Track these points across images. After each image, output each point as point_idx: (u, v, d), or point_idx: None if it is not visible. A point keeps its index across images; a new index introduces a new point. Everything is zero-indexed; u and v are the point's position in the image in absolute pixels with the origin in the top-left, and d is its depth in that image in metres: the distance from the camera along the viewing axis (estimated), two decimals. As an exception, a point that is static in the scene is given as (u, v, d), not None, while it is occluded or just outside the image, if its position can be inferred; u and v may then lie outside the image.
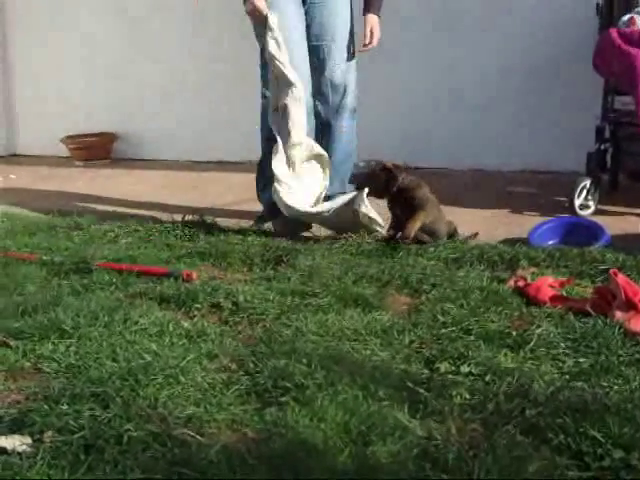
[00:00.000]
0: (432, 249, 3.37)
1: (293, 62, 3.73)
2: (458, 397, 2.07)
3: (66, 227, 4.03)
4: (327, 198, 4.02)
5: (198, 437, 1.94)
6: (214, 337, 2.58)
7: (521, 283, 2.93)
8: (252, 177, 4.10)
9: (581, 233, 3.52)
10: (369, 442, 1.88)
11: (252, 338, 2.59)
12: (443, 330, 2.53)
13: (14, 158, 6.66)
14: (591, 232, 3.50)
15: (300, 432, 1.92)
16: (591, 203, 4.07)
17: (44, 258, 3.43)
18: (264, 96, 3.88)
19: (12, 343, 2.55)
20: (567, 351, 2.36)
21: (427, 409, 2.03)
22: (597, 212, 4.03)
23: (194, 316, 2.80)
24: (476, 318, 2.60)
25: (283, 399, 2.10)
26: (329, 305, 2.80)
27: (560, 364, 2.28)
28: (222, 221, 4.04)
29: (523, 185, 4.79)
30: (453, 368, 2.26)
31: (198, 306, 2.86)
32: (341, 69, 3.97)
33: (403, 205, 3.51)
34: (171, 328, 2.63)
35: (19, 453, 1.87)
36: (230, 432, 1.98)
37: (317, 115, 4.00)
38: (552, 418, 1.93)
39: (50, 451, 1.87)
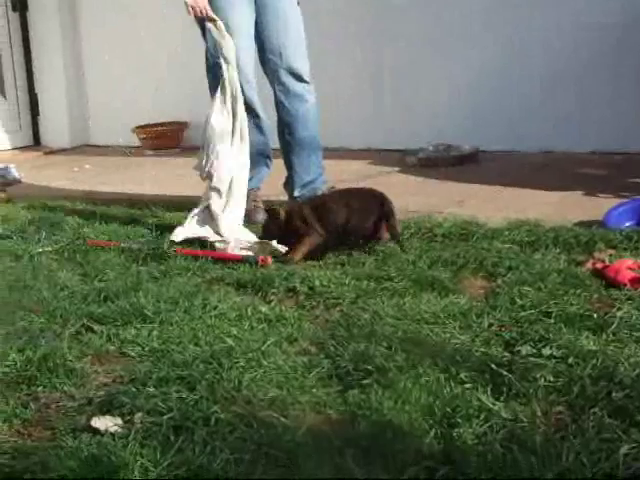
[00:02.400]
0: (507, 232, 3.34)
1: (239, 64, 3.75)
2: (542, 379, 2.06)
3: (141, 215, 4.11)
4: (307, 184, 4.02)
5: (283, 419, 1.96)
6: (292, 321, 2.61)
7: (599, 265, 2.89)
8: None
9: (658, 214, 3.45)
10: (454, 424, 1.88)
11: (330, 322, 2.61)
12: (522, 313, 2.52)
13: (87, 148, 6.79)
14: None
15: (385, 414, 1.93)
16: (668, 183, 3.99)
17: (122, 245, 3.50)
18: None
19: (96, 328, 2.62)
20: (651, 334, 2.32)
21: (511, 391, 2.03)
22: (674, 192, 3.94)
23: (271, 301, 2.83)
24: (555, 301, 2.58)
25: (365, 382, 2.12)
26: (405, 289, 2.81)
27: (644, 346, 2.25)
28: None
29: (595, 166, 4.71)
30: (534, 351, 2.24)
31: (274, 291, 2.90)
32: (297, 63, 4.00)
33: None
34: (250, 312, 2.68)
35: (112, 434, 1.93)
36: (314, 414, 2.01)
37: (280, 105, 4.03)
38: (640, 400, 1.91)
39: (141, 432, 1.92)
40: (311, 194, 3.93)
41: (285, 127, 4.01)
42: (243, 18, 3.92)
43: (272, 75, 4.02)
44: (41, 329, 2.62)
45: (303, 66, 4.05)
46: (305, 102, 4.04)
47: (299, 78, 4.05)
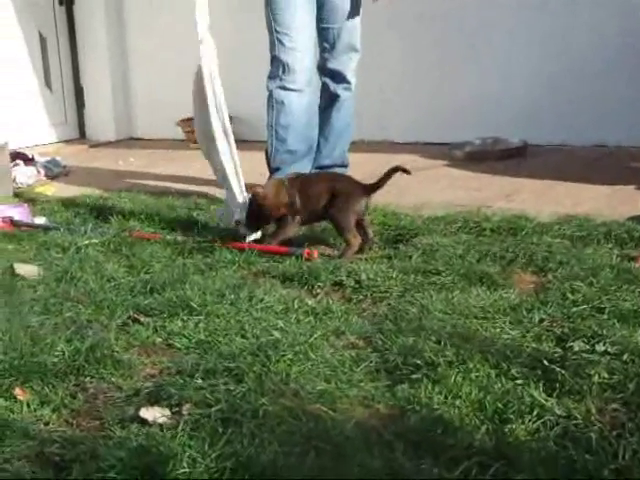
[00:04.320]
0: (557, 227, 3.28)
1: (298, 45, 3.87)
2: (596, 376, 2.02)
3: (186, 207, 4.11)
4: (325, 167, 4.15)
5: (331, 412, 1.94)
6: (339, 314, 2.59)
7: (653, 261, 2.83)
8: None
9: None
10: (506, 420, 1.85)
11: (377, 316, 2.59)
12: (574, 309, 2.47)
13: (132, 142, 6.82)
14: None
15: (434, 409, 1.91)
16: None
17: (168, 238, 3.51)
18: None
19: (143, 319, 2.62)
20: None
21: (564, 388, 1.99)
22: None
23: (317, 294, 2.82)
24: (608, 296, 2.53)
25: (414, 376, 2.09)
26: (453, 283, 2.78)
27: (703, 344, 2.19)
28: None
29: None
30: (587, 347, 2.20)
31: (321, 284, 2.88)
32: (349, 52, 4.11)
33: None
34: (296, 305, 2.66)
35: (160, 424, 1.92)
36: (362, 408, 1.98)
37: (325, 89, 4.17)
38: (699, 399, 1.86)
39: (189, 423, 1.91)
40: None
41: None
42: (305, 18, 3.92)
43: (319, 69, 4.11)
44: (88, 320, 2.63)
45: (349, 66, 4.12)
46: (338, 99, 4.17)
47: (342, 79, 4.12)
